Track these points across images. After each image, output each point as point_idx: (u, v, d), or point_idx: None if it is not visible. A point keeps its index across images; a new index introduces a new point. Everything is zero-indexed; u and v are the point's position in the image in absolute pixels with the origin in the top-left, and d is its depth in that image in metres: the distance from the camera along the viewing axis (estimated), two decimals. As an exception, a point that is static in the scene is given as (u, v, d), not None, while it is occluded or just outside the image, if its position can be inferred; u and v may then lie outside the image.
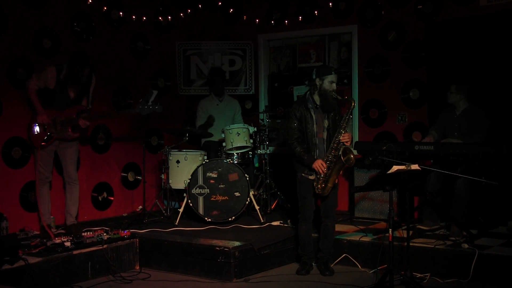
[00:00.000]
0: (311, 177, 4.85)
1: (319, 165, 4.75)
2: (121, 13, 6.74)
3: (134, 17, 6.87)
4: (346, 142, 4.75)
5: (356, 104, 6.78)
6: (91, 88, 5.71)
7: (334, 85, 4.81)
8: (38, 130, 5.47)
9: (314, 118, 4.85)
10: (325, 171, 4.74)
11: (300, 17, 7.24)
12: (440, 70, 6.34)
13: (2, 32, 5.60)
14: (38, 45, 5.90)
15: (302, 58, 7.45)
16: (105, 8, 6.57)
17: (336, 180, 4.84)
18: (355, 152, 6.01)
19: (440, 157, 5.37)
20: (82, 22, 6.37)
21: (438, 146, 5.40)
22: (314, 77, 4.87)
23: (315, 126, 4.86)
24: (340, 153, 4.69)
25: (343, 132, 4.74)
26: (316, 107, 4.87)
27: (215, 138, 6.61)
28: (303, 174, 4.88)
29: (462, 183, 5.24)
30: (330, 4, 7.01)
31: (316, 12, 7.14)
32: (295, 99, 7.29)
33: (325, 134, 4.88)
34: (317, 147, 4.88)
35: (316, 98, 4.87)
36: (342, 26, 7.04)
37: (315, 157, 4.84)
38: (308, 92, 4.94)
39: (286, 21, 7.37)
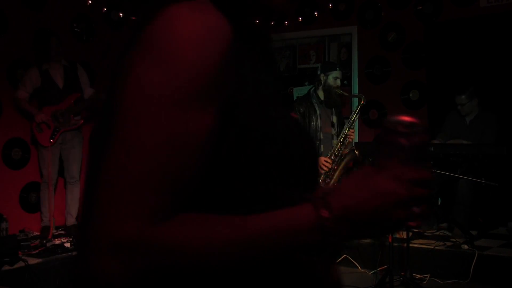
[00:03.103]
0: None
1: (322, 164, 4.72)
2: (121, 14, 6.75)
3: (134, 18, 6.86)
4: (351, 137, 4.78)
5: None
6: (80, 73, 5.74)
7: (338, 81, 4.83)
8: (42, 129, 5.49)
9: (318, 112, 4.85)
10: (330, 167, 4.73)
11: (300, 18, 7.25)
12: (440, 71, 6.34)
13: (2, 33, 5.61)
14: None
15: (302, 59, 7.45)
16: (105, 9, 6.58)
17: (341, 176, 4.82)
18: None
19: (440, 158, 5.37)
20: (82, 23, 6.37)
21: (437, 147, 5.40)
22: (319, 72, 4.90)
23: (319, 120, 4.85)
24: (353, 146, 4.71)
25: (352, 127, 4.77)
26: (320, 102, 4.88)
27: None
28: None
29: (465, 184, 5.24)
30: (330, 5, 7.01)
31: (316, 13, 7.15)
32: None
33: (333, 130, 4.88)
34: (322, 142, 4.86)
35: (320, 93, 4.89)
36: (342, 27, 7.04)
37: (320, 152, 4.83)
38: (313, 88, 4.95)
39: (286, 22, 7.37)
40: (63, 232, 5.67)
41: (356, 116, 4.76)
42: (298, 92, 7.36)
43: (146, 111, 0.75)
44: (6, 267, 4.29)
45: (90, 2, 6.23)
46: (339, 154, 4.72)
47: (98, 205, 0.74)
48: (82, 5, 6.27)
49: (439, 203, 5.64)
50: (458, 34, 6.18)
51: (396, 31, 6.65)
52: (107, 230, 0.72)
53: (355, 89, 6.94)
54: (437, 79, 6.34)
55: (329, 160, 4.73)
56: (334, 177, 4.76)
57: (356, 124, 6.90)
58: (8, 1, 5.66)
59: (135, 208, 0.73)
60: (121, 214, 0.73)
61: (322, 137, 4.86)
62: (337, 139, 4.80)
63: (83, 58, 6.25)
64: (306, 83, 7.30)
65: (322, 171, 4.74)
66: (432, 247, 4.86)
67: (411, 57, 6.56)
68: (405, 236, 4.56)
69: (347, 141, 4.74)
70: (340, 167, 4.74)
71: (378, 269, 4.76)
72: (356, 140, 6.78)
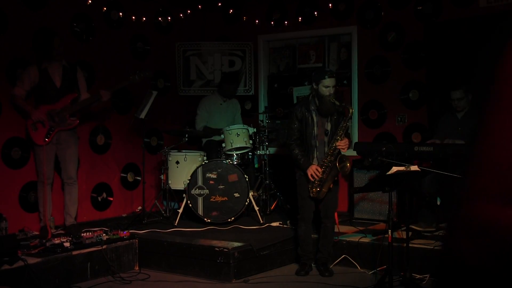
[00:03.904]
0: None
1: (313, 171, 4.76)
2: (120, 14, 6.75)
3: (133, 17, 6.87)
4: (343, 149, 4.77)
5: (355, 111, 6.78)
6: (78, 75, 5.74)
7: (330, 89, 4.77)
8: (37, 128, 5.49)
9: (315, 120, 4.85)
10: (320, 176, 4.75)
11: (300, 18, 7.25)
12: (439, 71, 6.34)
13: (1, 33, 5.60)
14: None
15: (301, 59, 7.45)
16: (105, 8, 6.58)
17: (331, 185, 4.84)
18: (354, 153, 6.02)
19: (439, 158, 5.37)
20: (81, 22, 6.37)
21: (437, 147, 5.40)
22: (312, 81, 4.93)
23: (315, 128, 4.85)
24: (336, 160, 4.70)
25: (339, 138, 4.75)
26: (317, 109, 4.89)
27: (216, 138, 6.62)
28: (302, 174, 4.89)
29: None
30: (330, 5, 7.01)
31: (315, 13, 7.15)
32: (295, 100, 7.30)
33: (326, 138, 4.89)
34: (317, 149, 4.88)
35: (316, 100, 4.89)
36: (342, 27, 7.04)
37: (315, 158, 4.85)
38: (311, 94, 4.97)
39: (286, 22, 7.37)
40: (62, 231, 5.67)
41: (342, 130, 4.75)
42: (298, 92, 7.36)
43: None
44: (6, 267, 4.29)
45: (90, 1, 6.23)
46: (330, 165, 4.75)
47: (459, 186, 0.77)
48: (82, 5, 6.27)
49: (439, 203, 5.64)
50: (458, 34, 6.18)
51: (396, 31, 6.65)
52: (461, 209, 0.74)
53: (355, 89, 6.94)
54: (436, 79, 6.34)
55: (320, 170, 4.75)
56: (324, 188, 4.79)
57: (356, 124, 6.92)
58: (8, 0, 5.66)
59: (488, 193, 0.71)
60: (474, 197, 0.73)
61: (317, 145, 4.88)
62: (328, 147, 4.82)
63: (83, 57, 6.26)
64: (306, 83, 7.30)
65: (312, 179, 4.77)
66: (432, 247, 4.86)
67: (411, 57, 6.56)
68: (404, 236, 4.56)
69: (336, 151, 4.77)
70: (328, 179, 4.78)
71: (378, 269, 4.77)
72: (356, 140, 6.78)
